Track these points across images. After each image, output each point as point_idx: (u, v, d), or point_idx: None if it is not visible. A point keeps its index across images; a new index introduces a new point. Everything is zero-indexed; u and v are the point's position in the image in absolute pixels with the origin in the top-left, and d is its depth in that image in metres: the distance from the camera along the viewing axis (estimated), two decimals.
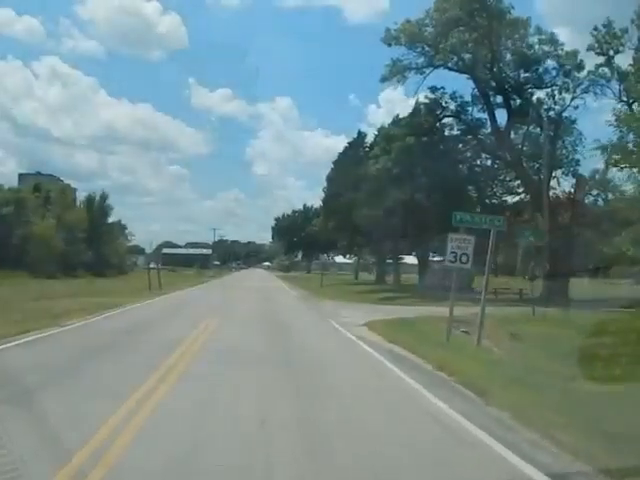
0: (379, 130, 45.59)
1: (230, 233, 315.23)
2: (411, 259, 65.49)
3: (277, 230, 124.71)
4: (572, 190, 39.38)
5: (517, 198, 41.70)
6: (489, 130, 41.97)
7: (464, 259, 17.11)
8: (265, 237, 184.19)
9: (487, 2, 38.59)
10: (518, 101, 40.40)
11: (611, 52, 40.81)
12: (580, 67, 41.08)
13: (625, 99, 41.02)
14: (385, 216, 41.11)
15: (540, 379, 10.35)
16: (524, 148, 41.14)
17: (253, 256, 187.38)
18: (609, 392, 9.36)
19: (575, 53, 41.13)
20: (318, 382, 10.24)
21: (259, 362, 12.12)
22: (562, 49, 40.62)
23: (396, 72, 42.99)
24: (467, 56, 40.17)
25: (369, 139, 54.81)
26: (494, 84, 40.52)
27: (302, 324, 21.90)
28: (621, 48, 40.56)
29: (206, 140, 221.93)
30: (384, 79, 43.45)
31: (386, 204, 40.85)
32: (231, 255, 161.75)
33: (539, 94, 41.16)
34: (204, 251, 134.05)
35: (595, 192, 38.61)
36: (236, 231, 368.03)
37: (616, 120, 19.67)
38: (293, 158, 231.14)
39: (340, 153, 60.94)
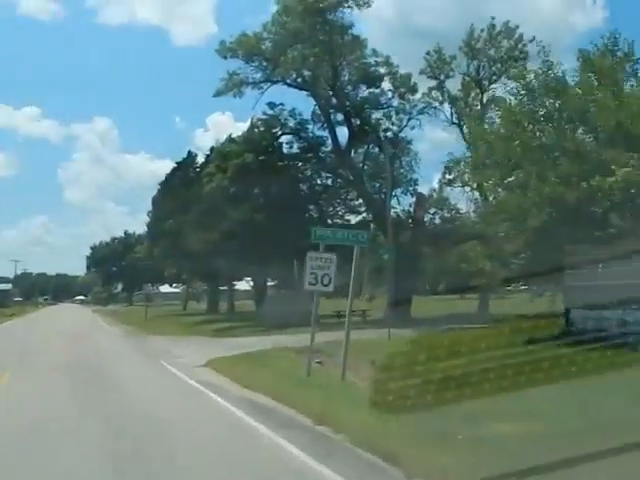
0: (212, 148, 42.67)
1: (36, 265, 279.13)
2: (243, 285, 62.75)
3: (93, 260, 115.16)
4: (411, 209, 39.27)
5: (360, 217, 40.76)
6: (330, 148, 40.75)
7: (326, 281, 14.82)
8: (79, 268, 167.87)
9: (328, 17, 37.40)
10: (358, 120, 39.65)
11: (442, 76, 41.96)
12: (414, 90, 41.50)
13: (456, 122, 42.24)
14: (220, 239, 38.15)
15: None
16: (365, 167, 40.43)
17: (63, 290, 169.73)
18: None
19: (409, 76, 41.53)
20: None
21: (60, 447, 8.14)
22: (397, 71, 40.71)
23: (232, 86, 40.59)
24: (307, 72, 38.70)
25: (200, 160, 51.58)
26: (335, 102, 39.46)
27: (126, 371, 17.85)
28: (451, 73, 41.88)
29: (8, 162, 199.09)
30: (219, 93, 40.78)
31: (221, 226, 38.01)
32: (37, 289, 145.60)
33: (377, 114, 40.93)
34: (2, 286, 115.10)
35: (432, 210, 38.73)
36: (44, 262, 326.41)
37: (470, 135, 18.75)
38: (113, 182, 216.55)
39: (168, 174, 56.23)
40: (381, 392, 5.44)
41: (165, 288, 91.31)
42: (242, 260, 38.48)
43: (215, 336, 31.03)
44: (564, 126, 16.12)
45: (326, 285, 14.87)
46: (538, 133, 16.91)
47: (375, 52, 40.14)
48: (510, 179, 17.60)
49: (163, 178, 56.02)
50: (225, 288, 60.79)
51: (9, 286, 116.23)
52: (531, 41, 39.69)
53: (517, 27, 39.78)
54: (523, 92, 17.45)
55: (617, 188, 14.51)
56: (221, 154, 40.28)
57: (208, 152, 47.61)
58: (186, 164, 53.89)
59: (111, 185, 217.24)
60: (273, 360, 18.05)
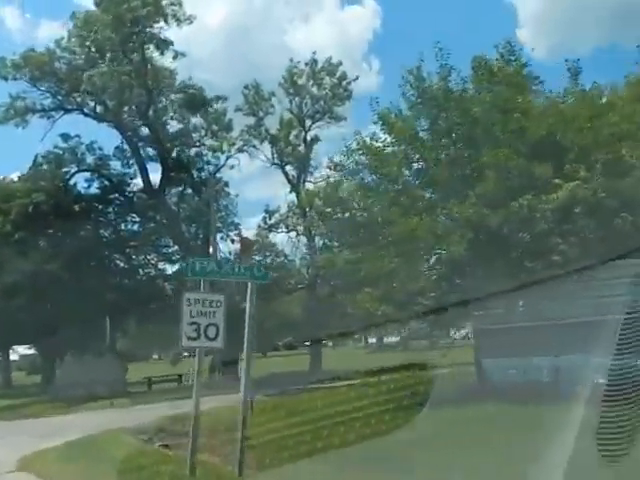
0: None
1: None
2: (21, 350, 53.20)
3: None
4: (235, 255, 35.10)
5: (177, 267, 35.38)
6: (139, 188, 35.28)
7: (211, 333, 10.24)
8: None
9: (143, 31, 32.40)
10: (173, 156, 34.86)
11: (261, 113, 39.09)
12: (229, 128, 37.95)
13: (278, 162, 39.41)
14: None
15: None
16: (180, 210, 35.51)
17: None
18: None
19: (224, 112, 37.94)
20: None
21: None
22: (212, 108, 36.86)
23: (15, 114, 33.78)
24: (110, 99, 33.19)
25: None
26: (146, 133, 34.37)
27: None
28: (271, 109, 39.14)
29: None
30: None
31: (2, 279, 30.72)
32: None
33: (192, 151, 36.58)
34: None
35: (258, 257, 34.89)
36: None
37: (348, 151, 15.63)
38: None
39: None
40: None
41: None
42: (27, 320, 31.25)
43: (5, 418, 23.89)
44: (476, 138, 13.63)
45: (212, 339, 10.22)
46: (442, 150, 14.21)
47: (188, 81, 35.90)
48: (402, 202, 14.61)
49: None
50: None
51: None
52: (355, 80, 39.06)
53: (340, 64, 38.43)
54: (418, 101, 14.77)
55: (558, 207, 12.14)
56: (2, 193, 32.85)
57: None
58: None
59: None
60: (112, 449, 12.65)
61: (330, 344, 39.28)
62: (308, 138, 39.15)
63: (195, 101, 34.91)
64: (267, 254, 35.39)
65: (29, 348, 51.38)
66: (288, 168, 39.19)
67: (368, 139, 15.45)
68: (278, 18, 66.99)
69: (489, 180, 12.79)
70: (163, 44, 32.66)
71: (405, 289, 14.47)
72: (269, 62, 59.82)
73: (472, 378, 14.99)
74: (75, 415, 22.45)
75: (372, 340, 54.72)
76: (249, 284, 10.76)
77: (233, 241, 37.14)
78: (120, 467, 10.34)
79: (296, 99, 38.89)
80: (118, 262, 35.68)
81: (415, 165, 15.20)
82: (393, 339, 50.83)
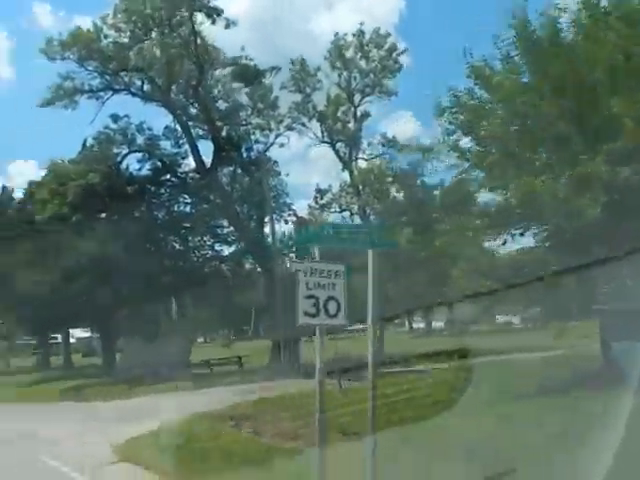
0: (49, 169, 34.17)
1: None
2: (78, 333, 53.55)
3: None
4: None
5: (234, 248, 34.55)
6: (191, 168, 34.45)
7: (332, 308, 9.19)
8: None
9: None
10: (223, 135, 33.79)
11: (308, 90, 37.80)
12: (275, 105, 36.73)
13: (327, 139, 38.15)
14: (59, 279, 30.20)
15: None
16: (233, 190, 34.55)
17: None
18: None
19: (270, 89, 36.72)
20: None
21: None
22: (265, 80, 35.67)
23: (64, 95, 33.11)
24: (160, 77, 32.21)
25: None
26: (196, 111, 33.38)
27: None
28: (318, 85, 37.82)
29: None
30: (48, 103, 33.08)
31: (61, 263, 30.23)
32: None
33: (242, 129, 35.41)
34: None
35: None
36: None
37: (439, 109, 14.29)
38: None
39: None
40: None
41: None
42: (87, 303, 30.91)
43: (74, 399, 23.48)
44: (597, 88, 12.08)
45: (333, 315, 9.14)
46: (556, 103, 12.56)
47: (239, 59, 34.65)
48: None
49: None
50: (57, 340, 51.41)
51: None
52: (404, 52, 37.54)
53: (388, 35, 36.86)
54: (521, 50, 13.21)
55: None
56: (58, 175, 32.32)
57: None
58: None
59: None
60: (217, 441, 11.67)
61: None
62: (358, 114, 37.83)
63: (247, 74, 33.68)
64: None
65: (85, 331, 52.03)
66: (339, 145, 37.94)
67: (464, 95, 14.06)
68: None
69: (626, 133, 11.26)
70: (214, 11, 31.32)
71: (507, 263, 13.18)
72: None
73: (594, 363, 13.53)
74: (143, 398, 21.71)
75: (418, 325, 53.52)
76: (369, 252, 9.65)
77: (287, 222, 36.29)
78: (236, 460, 9.36)
79: (344, 73, 37.39)
80: (174, 244, 35.09)
81: (520, 122, 13.74)
82: (439, 324, 49.47)
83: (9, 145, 60.92)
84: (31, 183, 35.34)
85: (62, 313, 31.77)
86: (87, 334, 51.67)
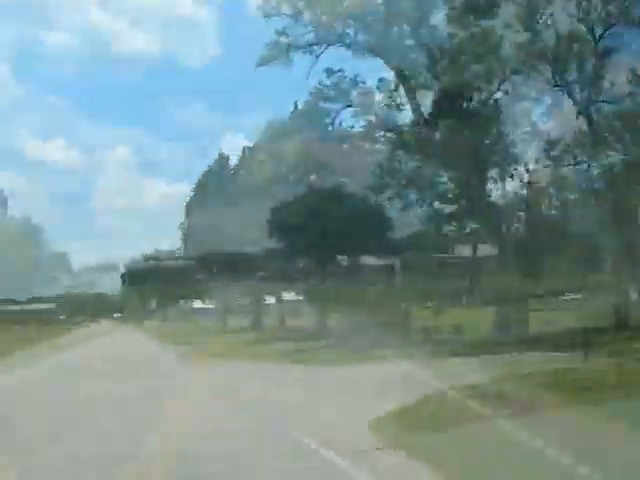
0: (268, 126, 34.45)
1: None
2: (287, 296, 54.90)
3: (129, 277, 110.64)
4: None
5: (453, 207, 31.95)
6: (407, 122, 32.21)
7: None
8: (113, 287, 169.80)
9: None
10: (446, 83, 30.80)
11: (537, 27, 33.15)
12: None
13: (561, 82, 33.39)
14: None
15: None
16: (454, 143, 31.62)
17: (101, 307, 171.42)
18: None
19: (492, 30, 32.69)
20: None
21: None
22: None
23: (278, 53, 32.65)
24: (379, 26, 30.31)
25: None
26: (417, 59, 30.87)
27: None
28: (549, 20, 32.99)
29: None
30: (263, 62, 32.95)
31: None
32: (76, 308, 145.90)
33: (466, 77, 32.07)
34: (46, 306, 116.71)
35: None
36: None
37: None
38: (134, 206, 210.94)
39: (200, 179, 50.46)
40: None
41: (198, 304, 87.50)
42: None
43: (308, 362, 22.89)
44: None
45: None
46: None
47: None
48: None
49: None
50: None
51: (53, 306, 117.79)
52: None
53: None
54: None
55: None
56: (273, 136, 32.29)
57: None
58: (219, 166, 47.63)
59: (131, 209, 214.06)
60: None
61: None
62: (599, 50, 32.52)
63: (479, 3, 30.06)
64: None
65: (295, 295, 53.17)
66: (574, 88, 33.12)
67: None
68: None
69: None
70: None
71: None
72: None
73: None
74: (368, 365, 20.21)
75: None
76: None
77: (512, 176, 32.62)
78: None
79: (583, 3, 32.26)
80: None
81: None
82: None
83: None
84: (245, 149, 36.12)
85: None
86: (293, 297, 52.71)
